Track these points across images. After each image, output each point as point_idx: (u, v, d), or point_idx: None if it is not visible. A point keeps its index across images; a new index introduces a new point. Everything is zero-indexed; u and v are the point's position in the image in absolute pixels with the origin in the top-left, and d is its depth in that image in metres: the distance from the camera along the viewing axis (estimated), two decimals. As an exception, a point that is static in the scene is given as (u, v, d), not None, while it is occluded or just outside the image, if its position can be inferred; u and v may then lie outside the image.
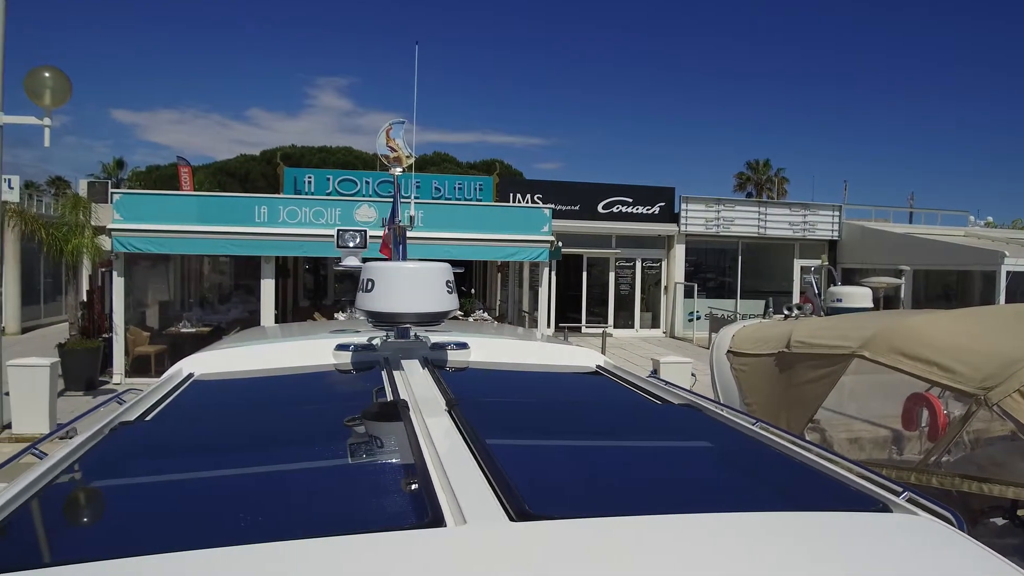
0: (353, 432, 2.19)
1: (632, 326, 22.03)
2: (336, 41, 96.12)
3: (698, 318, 20.98)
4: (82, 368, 12.63)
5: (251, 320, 14.05)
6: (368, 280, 3.16)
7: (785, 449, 1.99)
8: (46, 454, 2.19)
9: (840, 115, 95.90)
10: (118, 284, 13.55)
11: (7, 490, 1.60)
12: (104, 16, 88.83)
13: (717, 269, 23.34)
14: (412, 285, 3.14)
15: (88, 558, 1.23)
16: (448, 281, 3.20)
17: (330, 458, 1.89)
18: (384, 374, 2.82)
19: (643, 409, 2.58)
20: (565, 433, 2.24)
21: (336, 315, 14.77)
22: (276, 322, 13.79)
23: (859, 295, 7.17)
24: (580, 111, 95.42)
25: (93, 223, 13.46)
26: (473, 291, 22.51)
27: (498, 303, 19.55)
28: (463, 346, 3.40)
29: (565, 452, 2.02)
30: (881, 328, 4.52)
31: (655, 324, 22.31)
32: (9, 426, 10.01)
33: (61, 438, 7.15)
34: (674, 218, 21.88)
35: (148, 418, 2.41)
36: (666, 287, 22.11)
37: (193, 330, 14.38)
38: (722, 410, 2.51)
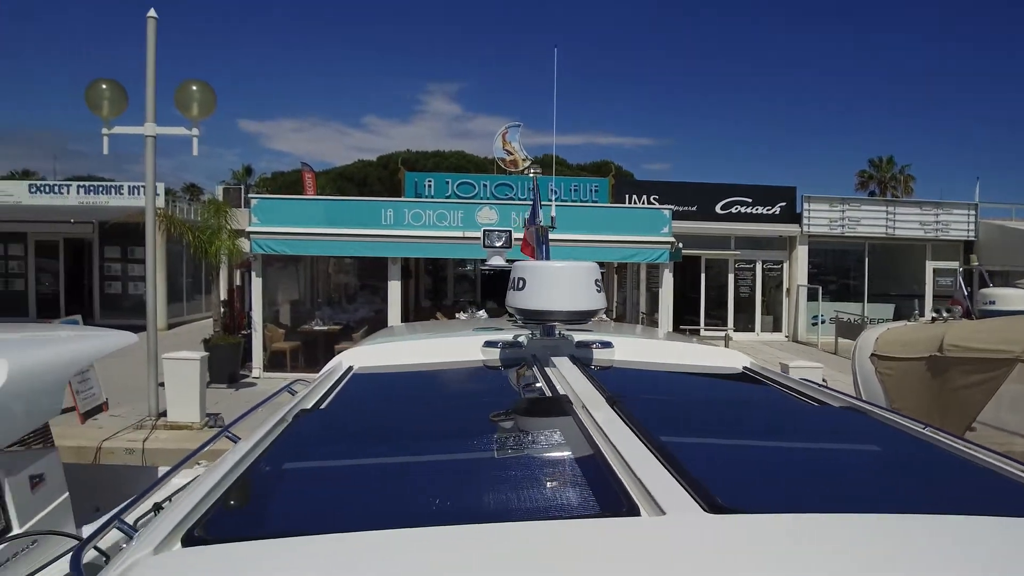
0: (523, 424, 2.23)
1: (752, 329, 21.47)
2: (446, 47, 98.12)
3: (822, 322, 20.24)
4: (225, 362, 13.42)
5: (378, 319, 14.56)
6: (519, 279, 3.21)
7: (963, 452, 1.93)
8: (239, 437, 2.39)
9: (969, 110, 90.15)
10: (256, 284, 14.33)
11: (217, 468, 1.75)
12: (229, 32, 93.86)
13: (841, 271, 22.42)
14: (563, 284, 3.17)
15: (296, 532, 1.29)
16: (596, 280, 3.22)
17: (506, 448, 1.93)
18: (536, 370, 2.88)
19: (803, 411, 2.53)
20: (730, 431, 2.24)
21: (457, 315, 15.10)
22: (401, 322, 14.24)
23: (1015, 297, 6.74)
24: (690, 111, 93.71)
25: (231, 227, 14.32)
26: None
27: (615, 305, 19.50)
28: (608, 345, 3.43)
29: (737, 449, 2.03)
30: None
31: (776, 328, 21.67)
32: (164, 414, 10.77)
33: (210, 426, 7.65)
34: (796, 218, 21.19)
35: (322, 407, 2.55)
36: (788, 289, 21.44)
37: (325, 328, 15.03)
38: (887, 413, 2.46)
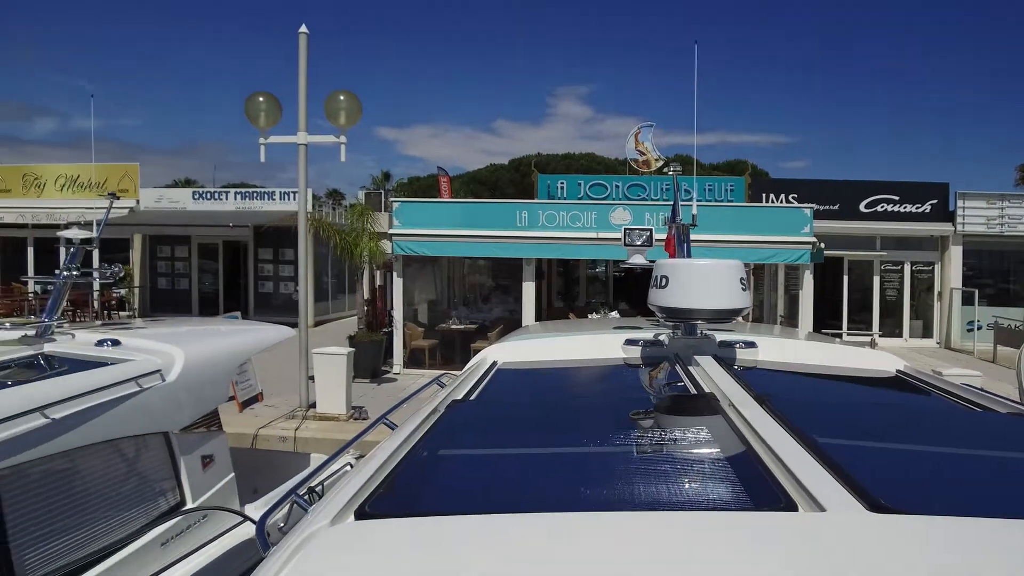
0: (670, 420, 2.24)
1: (900, 335, 20.35)
2: (576, 50, 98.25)
3: (979, 328, 18.93)
4: (368, 358, 14.10)
5: (512, 319, 14.87)
6: (662, 276, 3.20)
7: None
8: (396, 425, 2.57)
9: None
10: (397, 284, 14.98)
11: (380, 452, 1.87)
12: (365, 44, 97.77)
13: (1000, 274, 20.86)
14: (707, 282, 3.13)
15: (454, 512, 1.40)
16: (742, 279, 3.15)
17: (654, 442, 1.94)
18: (679, 368, 2.87)
19: (966, 416, 2.42)
20: (888, 434, 2.17)
21: (589, 316, 15.20)
22: (535, 322, 14.48)
23: None
24: (829, 105, 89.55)
25: (373, 229, 15.03)
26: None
27: (752, 307, 19.03)
28: (751, 345, 3.39)
29: (896, 452, 1.97)
30: None
31: (926, 333, 20.45)
32: (313, 405, 11.47)
33: (355, 418, 8.04)
34: (948, 217, 19.93)
35: (471, 398, 2.66)
36: (939, 293, 20.19)
37: (461, 327, 15.51)
38: None
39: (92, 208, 22.28)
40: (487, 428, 2.36)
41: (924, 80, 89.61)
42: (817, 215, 18.02)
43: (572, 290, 20.85)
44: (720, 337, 3.35)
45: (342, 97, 10.40)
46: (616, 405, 2.69)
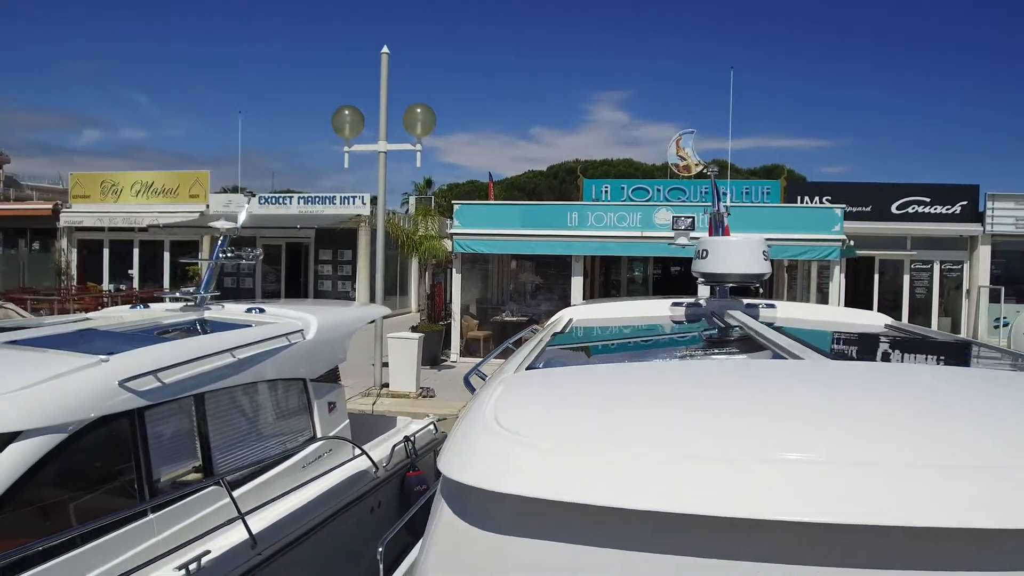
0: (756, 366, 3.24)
1: (929, 330, 21.16)
2: (612, 56, 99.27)
3: (1005, 324, 19.74)
4: (429, 347, 15.43)
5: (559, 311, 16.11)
6: (703, 250, 4.44)
7: None
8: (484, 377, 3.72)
9: None
10: (456, 279, 16.35)
11: (523, 350, 3.11)
12: (404, 53, 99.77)
13: (1029, 273, 21.61)
14: (738, 252, 4.37)
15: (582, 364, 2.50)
16: (764, 251, 4.35)
17: (708, 353, 3.09)
18: (715, 319, 4.11)
19: (931, 341, 3.62)
20: (863, 341, 3.27)
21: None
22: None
23: None
24: (869, 109, 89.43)
25: (424, 232, 16.44)
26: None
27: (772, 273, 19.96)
28: (771, 306, 4.61)
29: (857, 339, 3.07)
30: None
31: (955, 329, 21.24)
32: (386, 386, 12.84)
33: (423, 396, 9.60)
34: (978, 217, 20.76)
35: (564, 333, 3.88)
36: (968, 291, 21.01)
37: (514, 319, 16.83)
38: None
39: (165, 212, 24.04)
40: (586, 346, 3.56)
41: (966, 85, 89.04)
42: (849, 216, 19.02)
43: (611, 288, 21.99)
44: (747, 300, 4.54)
45: (419, 110, 11.78)
46: (674, 337, 3.96)
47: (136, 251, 25.40)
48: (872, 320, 4.54)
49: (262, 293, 25.09)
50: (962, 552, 1.16)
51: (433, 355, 15.62)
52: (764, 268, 4.28)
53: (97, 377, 3.76)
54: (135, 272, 25.33)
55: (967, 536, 1.14)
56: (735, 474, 1.22)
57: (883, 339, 4.33)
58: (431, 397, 12.63)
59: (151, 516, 3.96)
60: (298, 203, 23.55)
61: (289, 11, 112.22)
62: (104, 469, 3.99)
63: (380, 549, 3.73)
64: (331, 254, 24.29)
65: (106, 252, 25.86)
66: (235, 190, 40.87)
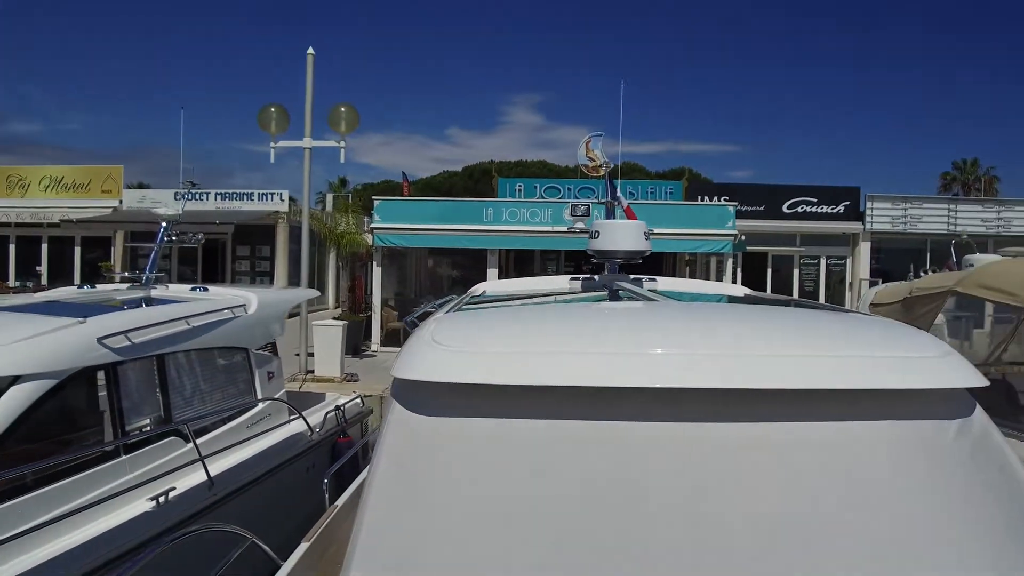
0: (623, 305, 4.36)
1: (816, 320, 22.94)
2: (529, 59, 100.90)
3: (883, 313, 21.63)
4: (351, 336, 16.00)
5: (477, 302, 16.95)
6: (596, 231, 5.36)
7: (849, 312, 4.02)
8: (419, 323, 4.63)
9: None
10: (376, 272, 16.98)
11: (452, 302, 4.00)
12: (319, 54, 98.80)
13: (903, 266, 23.67)
14: (624, 232, 5.29)
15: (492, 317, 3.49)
16: (645, 232, 5.29)
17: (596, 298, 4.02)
18: (607, 290, 5.02)
19: (775, 302, 4.64)
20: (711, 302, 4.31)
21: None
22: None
23: (985, 260, 8.63)
24: (776, 116, 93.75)
25: (346, 227, 17.03)
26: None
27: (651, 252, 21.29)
28: (653, 279, 5.56)
29: (703, 297, 4.09)
30: (973, 270, 6.24)
31: (842, 318, 23.11)
32: (311, 371, 13.39)
33: (348, 380, 10.41)
34: (859, 216, 22.68)
35: (480, 296, 4.75)
36: (851, 284, 22.90)
37: (432, 304, 17.55)
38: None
39: (77, 207, 23.69)
40: (496, 303, 4.38)
41: (865, 95, 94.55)
42: (745, 215, 20.56)
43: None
44: (632, 276, 5.47)
45: (343, 109, 12.40)
46: (579, 303, 4.83)
47: (45, 247, 24.91)
48: (734, 290, 5.51)
49: (178, 289, 24.98)
50: (737, 404, 1.78)
51: (355, 345, 16.19)
52: (645, 246, 5.15)
53: (80, 333, 4.38)
54: (43, 269, 24.82)
55: (744, 394, 1.77)
56: (599, 359, 1.86)
57: (731, 296, 5.30)
58: (355, 381, 13.25)
59: (124, 457, 4.59)
60: (215, 199, 23.61)
61: (189, 6, 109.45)
62: (86, 414, 4.59)
63: (325, 481, 4.47)
64: (248, 250, 24.44)
65: (12, 248, 25.26)
66: (140, 186, 39.90)
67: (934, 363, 1.85)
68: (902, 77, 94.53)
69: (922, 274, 8.59)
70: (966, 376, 1.83)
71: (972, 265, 8.67)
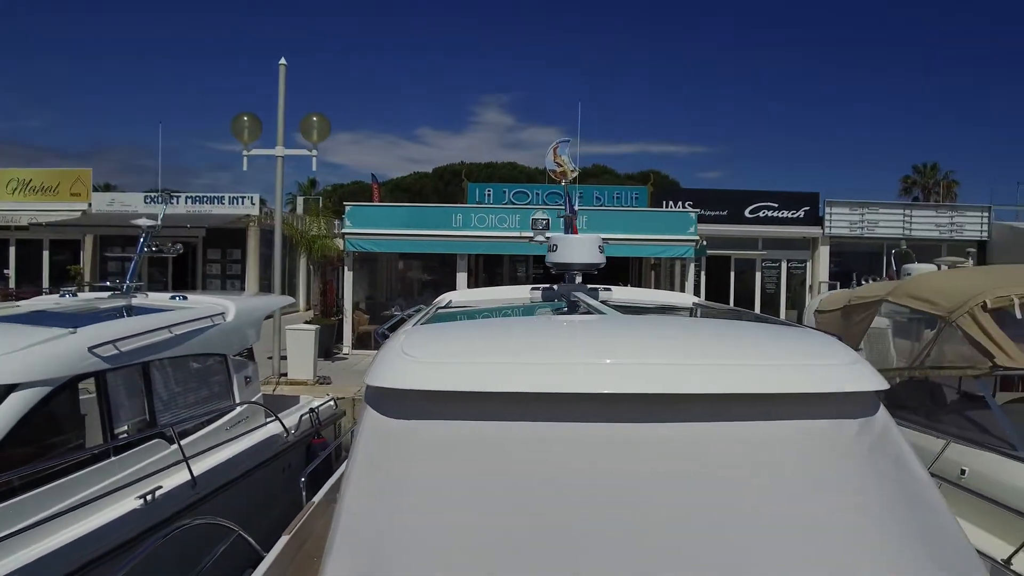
0: (570, 318, 4.76)
1: (777, 321, 23.63)
2: (500, 59, 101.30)
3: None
4: (323, 339, 16.27)
5: (447, 306, 17.31)
6: (554, 244, 5.75)
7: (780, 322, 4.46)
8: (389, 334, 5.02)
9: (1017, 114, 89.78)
10: (347, 276, 17.27)
11: (421, 314, 4.38)
12: (283, 50, 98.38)
13: (860, 268, 24.46)
14: (579, 246, 5.68)
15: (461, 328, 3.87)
16: (600, 246, 5.68)
17: (553, 312, 4.42)
18: (564, 300, 5.43)
19: (721, 312, 5.07)
20: (662, 314, 4.78)
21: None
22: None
23: (922, 269, 9.19)
24: (746, 119, 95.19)
25: (318, 231, 17.27)
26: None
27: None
28: (608, 289, 5.96)
29: (654, 310, 4.50)
30: (904, 281, 6.74)
31: (799, 320, 23.79)
32: (285, 375, 13.65)
33: (321, 383, 10.88)
34: (818, 221, 23.39)
35: (448, 310, 5.13)
36: (811, 286, 23.60)
37: (401, 314, 17.86)
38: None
39: (45, 210, 23.63)
40: (460, 316, 4.74)
41: (831, 101, 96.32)
42: (708, 219, 21.13)
43: (495, 284, 23.41)
44: (589, 286, 5.86)
45: (315, 118, 12.69)
46: (532, 307, 5.22)
47: (12, 250, 24.78)
48: (683, 299, 5.93)
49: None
50: (674, 407, 2.06)
51: (327, 348, 16.45)
52: (600, 259, 5.50)
53: (71, 343, 4.69)
54: (11, 272, 24.70)
55: (665, 399, 2.05)
56: (544, 368, 2.16)
57: (676, 308, 5.70)
58: (328, 383, 13.53)
59: (113, 458, 4.90)
60: (186, 202, 23.71)
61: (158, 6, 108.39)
62: (77, 418, 4.90)
63: (303, 480, 4.81)
64: (219, 254, 24.53)
65: (-18, 251, 25.13)
66: (106, 188, 39.59)
67: (840, 370, 2.18)
68: (869, 81, 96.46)
69: (863, 282, 9.09)
70: (869, 380, 2.15)
71: (910, 274, 9.23)
